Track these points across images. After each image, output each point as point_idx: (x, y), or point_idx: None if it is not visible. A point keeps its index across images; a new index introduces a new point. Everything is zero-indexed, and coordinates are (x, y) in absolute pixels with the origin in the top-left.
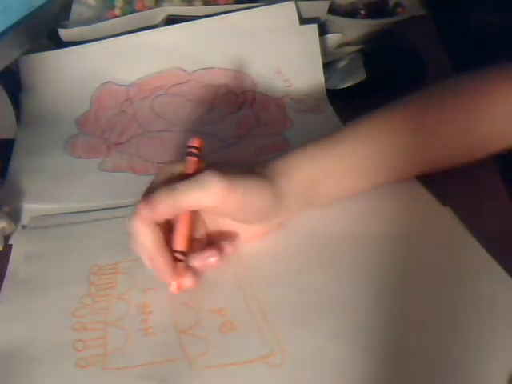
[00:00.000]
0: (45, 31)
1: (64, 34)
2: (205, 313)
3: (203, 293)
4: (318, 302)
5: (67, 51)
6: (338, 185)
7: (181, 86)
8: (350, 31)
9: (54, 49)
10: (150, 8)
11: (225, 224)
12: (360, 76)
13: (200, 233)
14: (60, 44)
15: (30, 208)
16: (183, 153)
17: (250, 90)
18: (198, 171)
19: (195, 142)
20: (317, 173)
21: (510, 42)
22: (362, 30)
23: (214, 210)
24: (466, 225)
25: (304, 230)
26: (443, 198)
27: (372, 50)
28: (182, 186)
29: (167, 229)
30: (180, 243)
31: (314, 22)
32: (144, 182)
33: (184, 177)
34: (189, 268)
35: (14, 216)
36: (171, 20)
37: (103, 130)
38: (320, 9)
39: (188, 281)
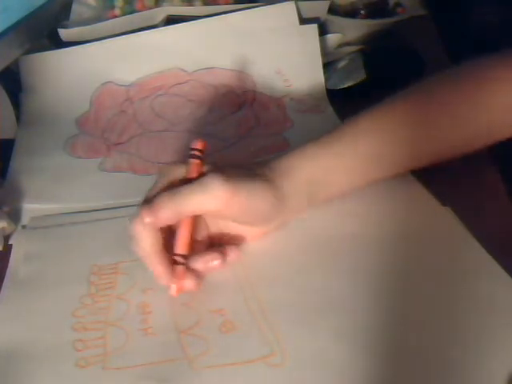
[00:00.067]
0: (45, 31)
1: (64, 34)
2: (205, 313)
3: (203, 293)
4: (318, 302)
5: (67, 51)
6: (338, 183)
7: (181, 86)
8: (350, 31)
9: (54, 49)
10: (150, 8)
11: (226, 226)
12: (360, 76)
13: (202, 235)
14: (60, 44)
15: (30, 208)
16: (185, 154)
17: (250, 90)
18: (201, 174)
19: (198, 145)
20: (317, 172)
21: (510, 42)
22: (361, 30)
23: (216, 213)
24: (466, 225)
25: (304, 230)
26: (443, 198)
27: (372, 50)
28: (185, 190)
29: (169, 231)
30: (181, 246)
31: (314, 22)
32: (144, 181)
33: (186, 180)
34: (190, 270)
35: (14, 216)
36: (171, 20)
37: (103, 130)
38: (320, 9)
39: (189, 283)
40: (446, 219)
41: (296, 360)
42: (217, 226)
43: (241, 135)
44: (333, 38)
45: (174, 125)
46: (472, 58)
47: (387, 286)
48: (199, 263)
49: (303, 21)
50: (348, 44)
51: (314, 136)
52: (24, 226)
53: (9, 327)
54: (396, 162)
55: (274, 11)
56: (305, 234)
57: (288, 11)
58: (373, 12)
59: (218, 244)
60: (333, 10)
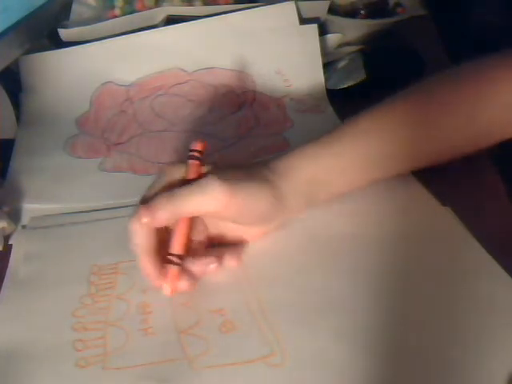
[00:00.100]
0: (45, 31)
1: (64, 34)
2: (205, 313)
3: (203, 293)
4: (318, 301)
5: (67, 51)
6: (337, 183)
7: (181, 86)
8: (350, 31)
9: (54, 49)
10: (150, 8)
11: (226, 226)
12: (360, 76)
13: (201, 236)
14: (60, 44)
15: (30, 208)
16: (185, 154)
17: (250, 90)
18: (199, 175)
19: (197, 146)
20: (317, 172)
21: (510, 42)
22: (361, 30)
23: (215, 214)
24: (466, 225)
25: (304, 230)
26: (443, 198)
27: (372, 50)
28: (183, 192)
29: (165, 230)
30: (177, 246)
31: (314, 22)
32: (144, 181)
33: (185, 181)
34: (185, 271)
35: (14, 216)
36: (171, 20)
37: (103, 130)
38: (320, 9)
39: (183, 284)
40: (446, 219)
41: (296, 360)
42: (216, 227)
43: (241, 135)
44: (333, 38)
45: (173, 125)
46: (472, 58)
47: (387, 286)
48: (195, 266)
49: (303, 21)
50: (348, 44)
51: (314, 136)
52: (24, 226)
53: (9, 327)
54: (396, 162)
55: (274, 11)
56: (305, 234)
57: (288, 11)
58: (373, 12)
59: (217, 244)
60: (333, 10)
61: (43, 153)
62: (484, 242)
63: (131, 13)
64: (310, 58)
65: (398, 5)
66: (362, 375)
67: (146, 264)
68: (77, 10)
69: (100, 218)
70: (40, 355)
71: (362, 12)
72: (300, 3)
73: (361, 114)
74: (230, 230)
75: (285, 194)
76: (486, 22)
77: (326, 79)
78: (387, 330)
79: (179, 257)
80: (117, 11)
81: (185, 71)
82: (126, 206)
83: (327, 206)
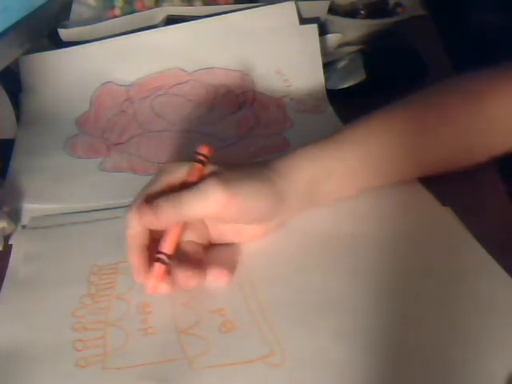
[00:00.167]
0: (45, 31)
1: (64, 34)
2: (205, 313)
3: (203, 293)
4: (317, 301)
5: (67, 51)
6: (338, 186)
7: (181, 86)
8: (350, 31)
9: (54, 49)
10: (150, 8)
11: (226, 226)
12: (360, 76)
13: (201, 236)
14: (60, 44)
15: (30, 208)
16: (186, 154)
17: (250, 90)
18: (200, 178)
19: (204, 150)
20: (317, 174)
21: (510, 42)
22: (361, 30)
23: (215, 216)
24: (466, 225)
25: (304, 230)
26: (443, 198)
27: (372, 50)
28: (185, 197)
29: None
30: (167, 246)
31: (314, 22)
32: (144, 182)
33: (186, 183)
34: (169, 275)
35: (14, 216)
36: (171, 20)
37: (103, 129)
38: (320, 9)
39: (164, 287)
40: (446, 219)
41: (296, 360)
42: (216, 227)
43: (241, 135)
44: (333, 38)
45: (173, 125)
46: (472, 63)
47: (387, 286)
48: (179, 274)
49: (303, 21)
50: (348, 44)
51: (314, 136)
52: (24, 226)
53: (9, 327)
54: (396, 169)
55: (274, 11)
56: (304, 234)
57: (288, 11)
58: (373, 12)
59: (217, 245)
60: (333, 10)
61: (43, 153)
62: (484, 242)
63: (131, 13)
64: (310, 58)
65: (397, 5)
66: (361, 375)
67: (135, 256)
68: (77, 10)
69: (100, 218)
70: (40, 355)
71: (362, 12)
72: (300, 3)
73: (360, 120)
74: (231, 229)
75: (285, 193)
76: (486, 22)
77: (326, 79)
78: (387, 329)
79: (168, 256)
80: (117, 11)
81: (185, 71)
82: (126, 206)
83: (327, 205)
